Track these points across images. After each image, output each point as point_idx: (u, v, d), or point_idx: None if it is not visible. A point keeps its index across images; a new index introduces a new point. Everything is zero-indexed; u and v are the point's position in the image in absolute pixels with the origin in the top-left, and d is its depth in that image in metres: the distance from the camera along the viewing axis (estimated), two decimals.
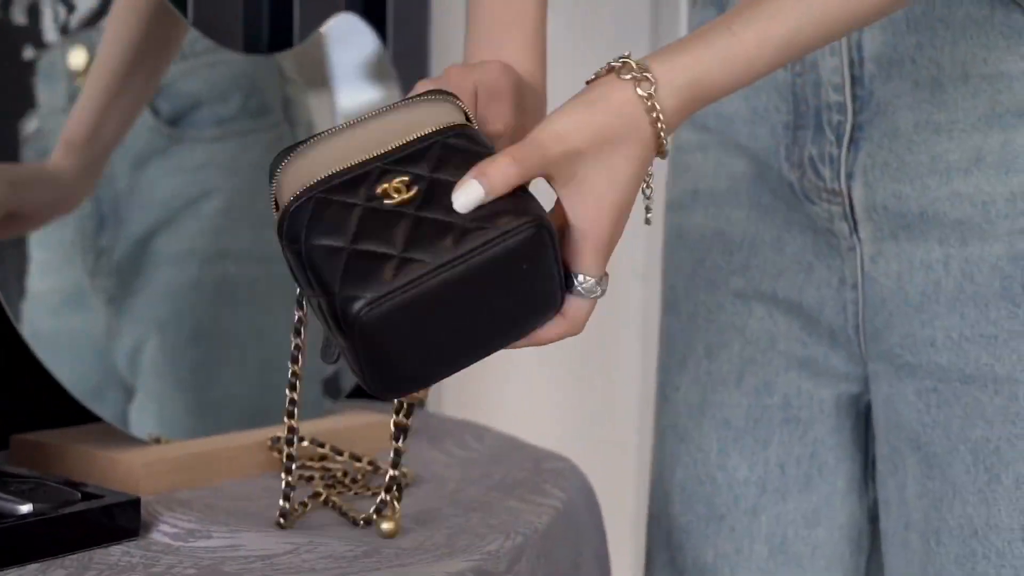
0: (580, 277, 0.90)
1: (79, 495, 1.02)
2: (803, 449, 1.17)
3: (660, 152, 0.92)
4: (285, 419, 1.08)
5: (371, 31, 1.40)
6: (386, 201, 0.87)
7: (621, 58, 0.92)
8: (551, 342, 0.93)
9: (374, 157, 0.89)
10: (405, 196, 0.87)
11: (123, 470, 1.13)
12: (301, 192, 0.87)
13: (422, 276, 0.85)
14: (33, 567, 0.95)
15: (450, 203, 0.87)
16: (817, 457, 1.17)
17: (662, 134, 0.91)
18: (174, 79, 1.28)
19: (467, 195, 0.87)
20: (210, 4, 1.34)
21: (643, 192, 0.95)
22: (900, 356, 1.10)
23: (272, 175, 0.91)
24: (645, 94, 0.90)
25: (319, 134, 0.92)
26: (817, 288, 1.15)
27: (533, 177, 0.89)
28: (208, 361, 1.28)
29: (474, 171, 0.88)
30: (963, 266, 1.07)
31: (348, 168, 0.88)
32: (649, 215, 0.96)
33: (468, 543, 1.00)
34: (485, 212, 0.87)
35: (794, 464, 1.17)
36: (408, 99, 0.94)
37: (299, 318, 1.04)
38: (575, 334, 0.94)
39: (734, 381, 1.19)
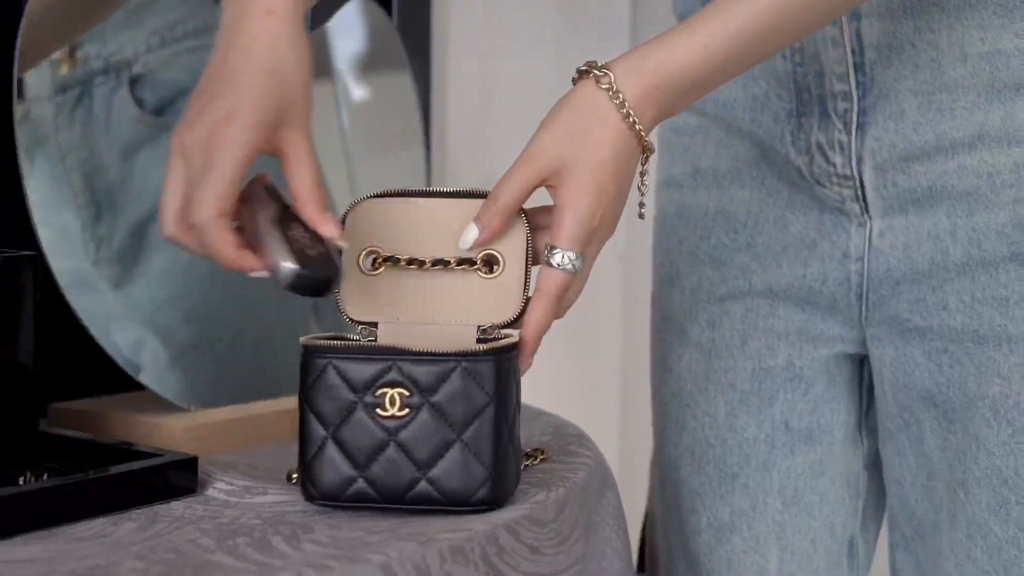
0: (555, 251, 1.00)
1: (139, 454, 1.06)
2: (805, 405, 1.24)
3: (640, 140, 1.02)
4: None
5: (382, 13, 1.45)
6: (378, 410, 0.99)
7: (586, 63, 1.03)
8: (538, 326, 1.01)
9: (401, 351, 0.99)
10: (396, 412, 0.99)
11: (165, 434, 1.17)
12: (326, 347, 0.99)
13: (368, 503, 1.00)
14: (101, 520, 0.99)
15: (426, 438, 0.98)
16: (817, 412, 1.25)
17: (631, 118, 1.01)
18: (156, 68, 1.30)
19: (467, 238, 1.02)
20: None
21: (638, 188, 1.03)
22: (909, 320, 1.17)
23: (346, 214, 1.04)
24: (605, 86, 1.01)
25: (400, 192, 1.05)
26: (821, 261, 1.22)
27: (523, 203, 1.01)
28: (203, 341, 1.31)
29: (476, 216, 1.02)
30: (970, 234, 1.14)
31: (374, 349, 0.99)
32: (643, 210, 1.05)
33: (512, 498, 1.05)
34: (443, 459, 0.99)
35: (797, 419, 1.24)
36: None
37: None
38: (557, 315, 1.02)
39: (738, 346, 1.25)
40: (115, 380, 1.23)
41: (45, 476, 1.00)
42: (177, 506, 1.02)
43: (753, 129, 1.23)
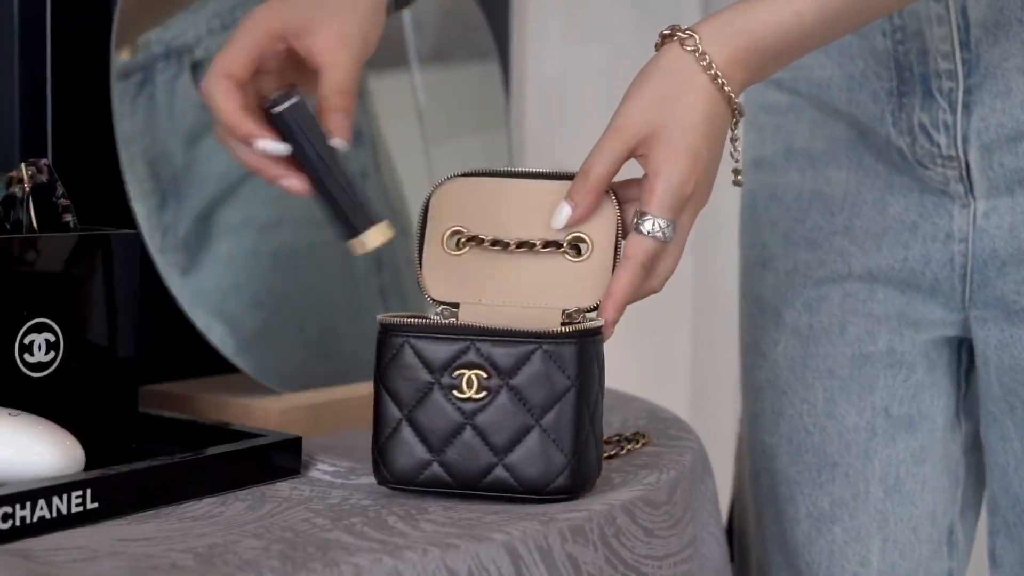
0: (646, 217, 0.96)
1: (242, 434, 1.04)
2: (906, 391, 1.22)
3: (730, 103, 0.98)
4: None
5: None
6: (455, 392, 0.96)
7: (669, 27, 0.99)
8: (622, 294, 0.97)
9: (480, 330, 0.96)
10: (473, 394, 0.96)
11: (259, 417, 1.16)
12: (403, 324, 0.97)
13: (441, 488, 0.97)
14: (209, 501, 0.97)
15: (504, 423, 0.95)
16: (918, 398, 1.22)
17: (720, 80, 0.97)
18: (217, 51, 1.28)
19: (560, 217, 0.99)
20: None
21: (731, 155, 1.01)
22: (1016, 302, 1.15)
23: (432, 192, 1.02)
24: (691, 48, 0.97)
25: (488, 172, 1.02)
26: (922, 243, 1.20)
27: (614, 175, 0.98)
28: (270, 328, 1.30)
29: (568, 194, 0.99)
30: None
31: (452, 328, 0.97)
32: (739, 177, 1.02)
33: (624, 480, 1.03)
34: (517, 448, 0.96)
35: (897, 406, 1.22)
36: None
37: None
38: (650, 287, 0.99)
39: (837, 331, 1.23)
40: (182, 364, 1.22)
41: (153, 456, 0.99)
42: (283, 487, 1.01)
43: (850, 109, 1.21)
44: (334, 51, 1.01)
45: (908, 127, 1.17)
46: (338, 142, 1.00)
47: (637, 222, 0.97)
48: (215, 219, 1.28)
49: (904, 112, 1.17)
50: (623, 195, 1.00)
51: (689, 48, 0.98)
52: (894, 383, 1.22)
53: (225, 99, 1.00)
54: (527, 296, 1.00)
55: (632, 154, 0.98)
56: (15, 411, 0.94)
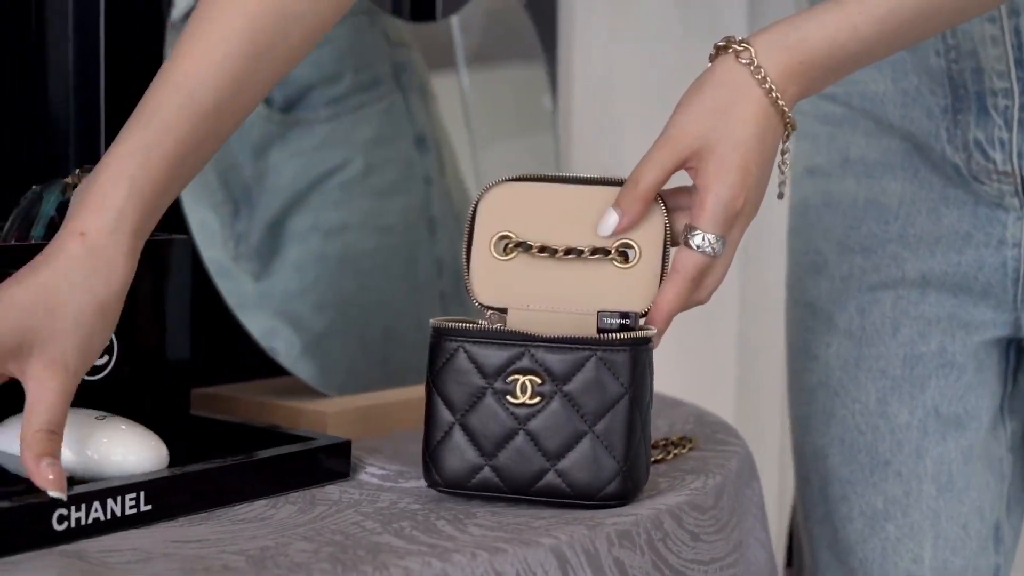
0: (696, 232, 0.97)
1: (292, 437, 1.06)
2: (955, 391, 1.23)
3: (783, 117, 0.98)
4: None
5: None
6: (508, 397, 0.97)
7: (724, 39, 0.98)
8: (670, 307, 0.98)
9: (535, 337, 0.97)
10: (527, 400, 0.97)
11: (310, 420, 1.17)
12: (456, 329, 0.98)
13: (493, 492, 0.98)
14: (260, 503, 0.98)
15: (557, 428, 0.96)
16: (966, 398, 1.23)
17: (774, 93, 0.97)
18: None
19: (607, 224, 0.99)
20: None
21: (779, 167, 1.01)
22: None
23: (480, 196, 1.02)
24: (746, 61, 0.97)
25: (536, 177, 1.02)
26: (975, 249, 1.20)
27: (663, 185, 0.99)
28: (334, 331, 1.31)
29: (616, 202, 0.99)
30: None
31: (507, 334, 0.97)
32: (782, 188, 1.02)
33: (670, 485, 1.04)
34: (568, 452, 0.97)
35: (947, 405, 1.23)
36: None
37: None
38: (697, 299, 1.00)
39: (890, 333, 1.24)
40: (234, 367, 1.24)
41: (205, 459, 1.00)
42: (333, 490, 1.02)
43: (904, 124, 1.22)
44: (39, 383, 0.90)
45: (963, 143, 1.18)
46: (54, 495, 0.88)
47: (687, 236, 0.98)
48: (285, 226, 1.29)
49: (959, 129, 1.18)
50: (672, 203, 1.00)
51: (744, 61, 0.98)
52: (945, 383, 1.23)
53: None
54: (575, 303, 1.00)
55: (683, 165, 0.99)
56: (101, 413, 0.97)
